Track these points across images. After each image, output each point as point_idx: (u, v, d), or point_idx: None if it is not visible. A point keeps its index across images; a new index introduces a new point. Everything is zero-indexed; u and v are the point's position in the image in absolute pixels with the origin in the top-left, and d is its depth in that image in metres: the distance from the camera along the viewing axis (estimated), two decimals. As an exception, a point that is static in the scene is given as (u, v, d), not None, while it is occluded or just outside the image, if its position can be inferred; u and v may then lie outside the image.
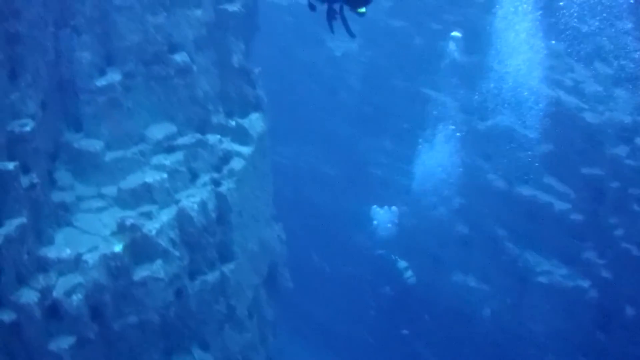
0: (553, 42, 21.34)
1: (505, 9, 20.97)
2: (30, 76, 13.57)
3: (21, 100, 13.30)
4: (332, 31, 8.85)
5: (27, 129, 13.09)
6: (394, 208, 23.86)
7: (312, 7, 8.70)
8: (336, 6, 8.64)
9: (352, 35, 9.00)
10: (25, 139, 13.11)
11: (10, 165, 12.49)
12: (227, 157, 16.49)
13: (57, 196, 14.37)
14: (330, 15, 8.67)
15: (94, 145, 15.21)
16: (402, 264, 23.51)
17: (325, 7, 8.73)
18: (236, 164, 16.39)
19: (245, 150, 16.77)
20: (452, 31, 22.60)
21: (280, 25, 25.67)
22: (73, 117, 15.40)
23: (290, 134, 25.86)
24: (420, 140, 23.07)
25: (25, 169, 13.04)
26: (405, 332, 24.27)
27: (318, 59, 25.70)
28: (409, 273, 23.35)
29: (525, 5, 20.66)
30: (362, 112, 25.31)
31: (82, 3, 15.08)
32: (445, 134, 22.40)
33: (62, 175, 14.93)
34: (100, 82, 15.24)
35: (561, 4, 21.04)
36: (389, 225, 23.70)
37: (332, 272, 26.15)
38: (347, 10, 8.68)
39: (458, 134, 22.27)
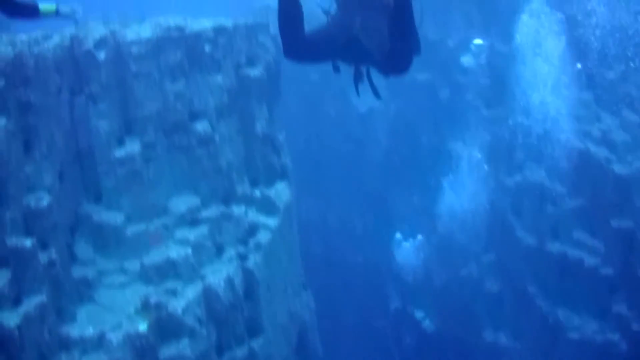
0: (580, 91, 20.95)
1: (531, 58, 20.63)
2: (45, 147, 13.26)
3: (36, 172, 12.98)
4: (358, 93, 8.43)
5: (44, 203, 12.76)
6: (419, 237, 23.55)
7: (336, 69, 8.29)
8: (363, 68, 8.19)
9: (378, 97, 8.52)
10: (42, 213, 12.75)
11: (28, 242, 12.16)
12: (253, 229, 16.14)
13: (78, 271, 13.98)
14: (357, 78, 8.22)
15: (115, 218, 14.87)
16: (419, 313, 23.48)
17: (351, 68, 8.26)
18: (263, 236, 16.03)
19: (272, 221, 16.41)
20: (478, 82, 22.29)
21: (306, 82, 25.35)
22: (92, 187, 15.08)
23: (318, 188, 25.69)
24: (448, 195, 22.65)
25: (43, 245, 12.69)
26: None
27: (345, 114, 25.41)
28: (426, 322, 23.29)
29: (551, 55, 20.34)
30: (390, 165, 25.06)
31: (97, 69, 14.75)
32: (473, 189, 22.02)
33: (83, 249, 14.57)
34: (119, 153, 14.93)
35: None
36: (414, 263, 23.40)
37: (361, 326, 25.90)
38: (373, 72, 8.27)
39: (486, 189, 21.90)
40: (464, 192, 22.20)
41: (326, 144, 26.06)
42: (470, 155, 22.31)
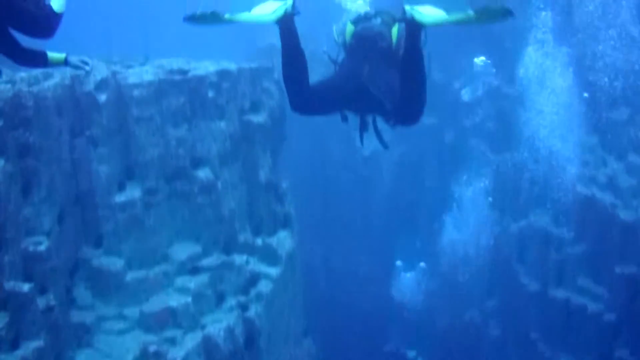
0: (587, 135, 20.79)
1: (537, 99, 20.51)
2: (44, 190, 13.11)
3: (35, 215, 12.83)
4: (362, 143, 8.38)
5: (42, 248, 12.63)
6: (422, 264, 23.43)
7: (344, 119, 8.17)
8: (369, 119, 8.12)
9: (385, 147, 8.48)
10: (40, 258, 12.62)
11: (26, 287, 12.04)
12: (254, 278, 15.99)
13: (76, 316, 13.86)
14: (363, 128, 8.14)
15: (115, 263, 14.71)
16: (411, 354, 23.48)
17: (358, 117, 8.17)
18: (264, 286, 15.89)
19: (274, 271, 16.27)
20: (484, 126, 22.24)
21: (311, 123, 25.17)
22: (92, 231, 14.90)
23: (323, 229, 25.52)
24: (452, 238, 22.50)
25: (42, 289, 12.57)
26: None
27: (350, 155, 25.20)
28: None
29: (556, 99, 20.16)
30: (394, 207, 24.93)
31: (99, 112, 14.57)
32: (477, 233, 21.89)
33: (82, 293, 14.45)
34: (120, 198, 14.78)
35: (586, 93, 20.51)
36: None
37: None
38: (379, 121, 8.13)
39: (490, 233, 21.77)
40: (468, 237, 22.08)
41: (331, 185, 25.94)
42: (474, 200, 22.16)
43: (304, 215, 19.12)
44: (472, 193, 22.13)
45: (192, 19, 7.14)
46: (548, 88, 20.29)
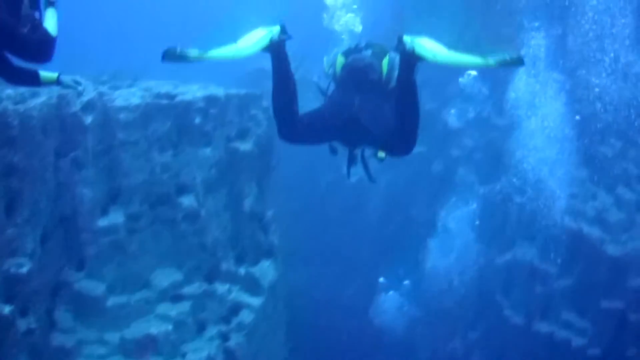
0: (576, 168, 20.78)
1: (526, 133, 20.44)
2: (27, 211, 12.97)
3: (18, 237, 12.72)
4: (349, 176, 8.57)
5: (24, 270, 12.53)
6: (406, 282, 23.14)
7: (333, 151, 8.35)
8: (357, 151, 8.22)
9: (372, 180, 8.75)
10: (22, 280, 12.52)
11: (6, 309, 11.91)
12: (236, 308, 15.79)
13: (56, 339, 13.75)
14: (351, 161, 8.25)
15: (96, 288, 14.53)
16: None
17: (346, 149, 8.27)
18: (246, 316, 15.68)
19: (256, 301, 16.04)
20: (472, 156, 22.19)
21: (300, 148, 25.02)
22: (75, 254, 14.67)
23: (309, 255, 25.24)
24: (436, 269, 22.23)
25: (22, 312, 12.50)
26: None
27: (338, 182, 25.04)
28: None
29: (546, 129, 20.13)
30: (380, 235, 24.86)
31: (84, 134, 14.34)
32: (462, 264, 21.76)
33: (62, 316, 14.25)
34: (103, 222, 14.59)
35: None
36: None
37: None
38: (367, 155, 8.31)
39: (475, 265, 21.65)
40: (452, 266, 21.92)
41: (318, 211, 25.86)
42: (460, 230, 22.02)
43: (289, 241, 18.98)
44: (459, 223, 22.02)
45: (172, 57, 7.01)
46: (538, 116, 20.25)
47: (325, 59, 8.28)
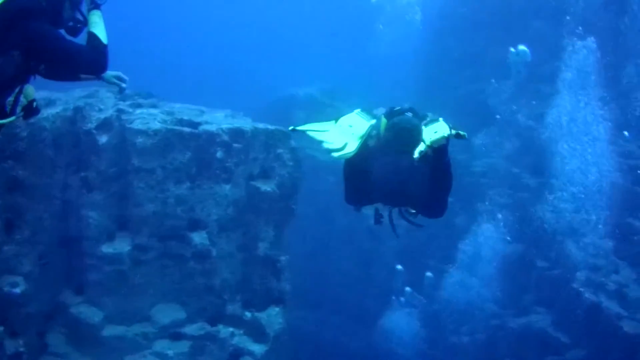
0: (601, 238, 20.24)
1: (555, 196, 20.13)
2: (28, 230, 12.67)
3: (15, 256, 12.45)
4: (397, 235, 8.38)
5: (18, 291, 12.31)
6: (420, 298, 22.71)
7: (377, 221, 8.07)
8: (384, 211, 7.99)
9: (397, 235, 8.43)
10: (15, 302, 12.27)
11: None
12: (237, 354, 15.05)
13: (47, 363, 13.28)
14: (377, 220, 8.00)
15: (93, 315, 14.12)
16: None
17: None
18: (247, 363, 15.12)
19: (258, 348, 15.24)
20: (498, 213, 21.64)
21: (322, 183, 24.48)
22: (75, 278, 14.30)
23: (318, 299, 24.85)
24: (447, 337, 21.92)
25: (12, 334, 12.18)
26: None
27: (355, 227, 24.65)
28: None
29: (574, 199, 19.85)
30: (393, 287, 23.89)
31: (98, 155, 13.93)
32: (475, 325, 21.38)
33: (55, 339, 13.92)
34: (108, 249, 14.12)
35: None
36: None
37: None
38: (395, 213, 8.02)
39: (489, 328, 21.18)
40: (465, 327, 21.66)
41: (332, 256, 25.50)
42: (478, 291, 21.51)
43: (299, 284, 18.47)
44: (477, 283, 21.59)
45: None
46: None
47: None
